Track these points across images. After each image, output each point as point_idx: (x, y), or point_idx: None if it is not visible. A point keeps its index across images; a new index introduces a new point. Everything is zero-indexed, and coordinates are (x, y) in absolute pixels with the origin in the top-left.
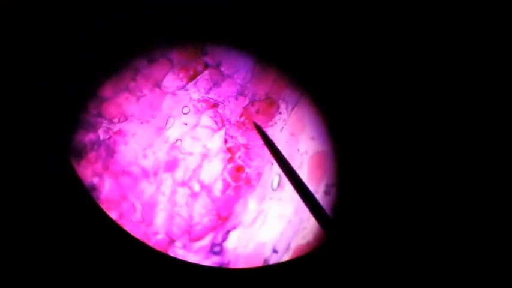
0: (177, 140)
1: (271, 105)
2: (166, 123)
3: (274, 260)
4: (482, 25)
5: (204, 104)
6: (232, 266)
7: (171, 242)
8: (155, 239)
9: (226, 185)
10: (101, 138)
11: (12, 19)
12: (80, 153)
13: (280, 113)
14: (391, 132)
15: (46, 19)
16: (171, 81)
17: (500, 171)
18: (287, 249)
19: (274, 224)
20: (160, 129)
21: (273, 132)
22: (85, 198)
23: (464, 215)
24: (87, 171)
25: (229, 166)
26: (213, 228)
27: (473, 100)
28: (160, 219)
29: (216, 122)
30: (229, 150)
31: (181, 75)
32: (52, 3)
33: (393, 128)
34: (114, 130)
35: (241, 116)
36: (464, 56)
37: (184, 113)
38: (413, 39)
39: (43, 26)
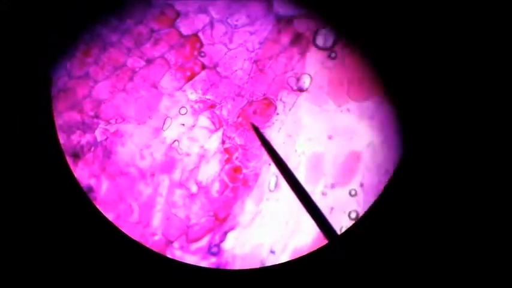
0: (174, 141)
1: (268, 106)
2: (164, 124)
3: (271, 261)
4: None
5: (201, 105)
6: (229, 267)
7: (169, 243)
8: (152, 240)
9: (223, 186)
10: (98, 139)
11: (13, 20)
12: (77, 154)
13: (277, 113)
14: (392, 132)
15: (47, 20)
16: (168, 82)
17: None
18: (284, 250)
19: (271, 225)
20: (158, 130)
21: (270, 133)
22: (82, 200)
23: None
24: (84, 173)
25: (227, 167)
26: (211, 229)
27: None
28: (157, 220)
29: (213, 123)
30: (226, 151)
31: (178, 75)
32: (53, 5)
33: (394, 129)
34: (111, 131)
35: (239, 116)
36: None
37: (181, 114)
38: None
39: (44, 27)
